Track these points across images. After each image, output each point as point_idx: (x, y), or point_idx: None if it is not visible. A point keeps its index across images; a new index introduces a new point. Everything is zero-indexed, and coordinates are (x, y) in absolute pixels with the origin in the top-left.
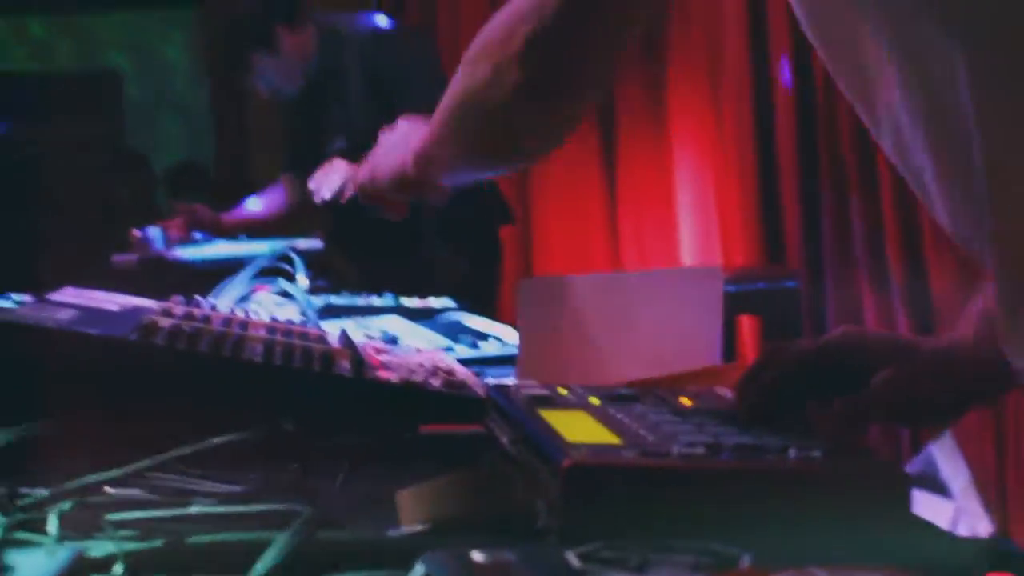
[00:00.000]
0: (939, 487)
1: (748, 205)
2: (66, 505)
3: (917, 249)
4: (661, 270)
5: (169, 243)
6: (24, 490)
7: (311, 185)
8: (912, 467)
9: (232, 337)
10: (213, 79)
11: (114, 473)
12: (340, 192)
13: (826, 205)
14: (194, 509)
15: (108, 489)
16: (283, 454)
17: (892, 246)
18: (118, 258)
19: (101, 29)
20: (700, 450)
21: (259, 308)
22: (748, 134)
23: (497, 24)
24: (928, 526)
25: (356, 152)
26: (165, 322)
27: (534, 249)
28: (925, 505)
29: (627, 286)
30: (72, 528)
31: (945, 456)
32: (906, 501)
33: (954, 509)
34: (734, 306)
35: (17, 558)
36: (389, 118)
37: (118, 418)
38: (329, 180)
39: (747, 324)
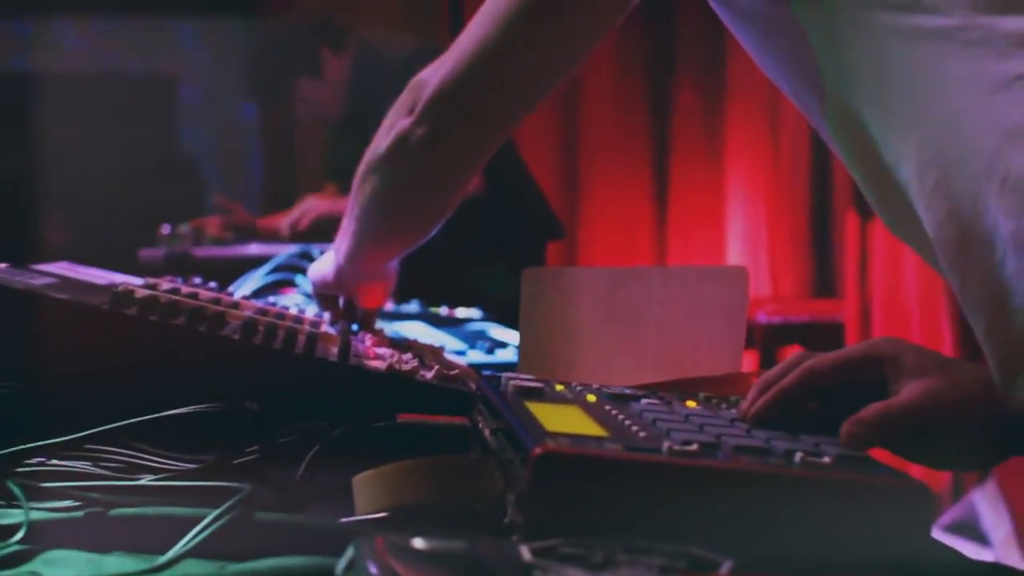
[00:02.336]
0: (979, 536)
1: (799, 235)
2: None
3: None
4: (680, 266)
5: (201, 240)
6: None
7: (282, 223)
8: (952, 514)
9: (211, 313)
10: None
11: (57, 441)
12: (295, 224)
13: (878, 238)
14: (136, 484)
15: (54, 460)
16: (254, 436)
17: (945, 282)
18: (145, 252)
19: (159, 31)
20: (693, 448)
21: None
22: (804, 162)
23: (380, 132)
24: (946, 550)
25: None
26: (141, 292)
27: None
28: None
29: (642, 281)
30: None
31: (987, 504)
32: (924, 519)
33: (993, 559)
34: (779, 337)
35: None
36: None
37: (81, 387)
38: (291, 215)
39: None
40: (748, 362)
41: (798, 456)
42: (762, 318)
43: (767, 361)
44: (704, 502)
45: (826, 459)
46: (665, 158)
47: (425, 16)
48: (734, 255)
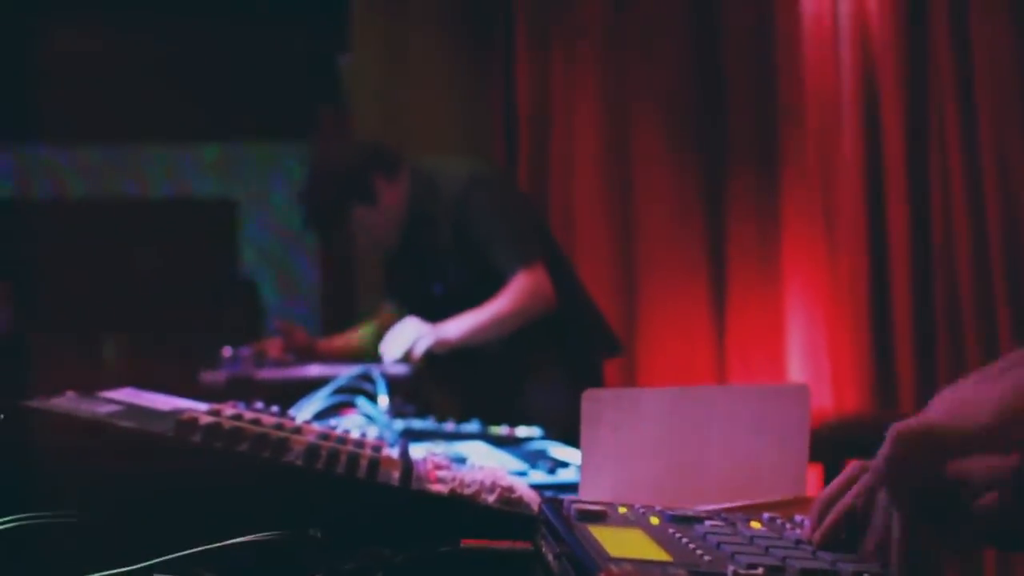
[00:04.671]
0: None
1: (861, 349)
2: None
3: None
4: (741, 386)
5: (263, 363)
6: None
7: (381, 348)
8: None
9: (274, 438)
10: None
11: (123, 571)
12: (410, 351)
13: (940, 351)
14: None
15: None
16: (318, 564)
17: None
18: (207, 375)
19: (215, 158)
20: (759, 572)
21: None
22: (863, 277)
23: None
24: None
25: (453, 298)
26: (205, 419)
27: (638, 384)
28: None
29: (703, 402)
30: None
31: None
32: None
33: None
34: (843, 451)
35: None
36: (478, 268)
37: (147, 515)
38: (399, 340)
39: None
40: (812, 474)
41: None
42: (825, 432)
43: (832, 474)
44: None
45: None
46: (722, 271)
47: (479, 141)
48: (795, 369)
